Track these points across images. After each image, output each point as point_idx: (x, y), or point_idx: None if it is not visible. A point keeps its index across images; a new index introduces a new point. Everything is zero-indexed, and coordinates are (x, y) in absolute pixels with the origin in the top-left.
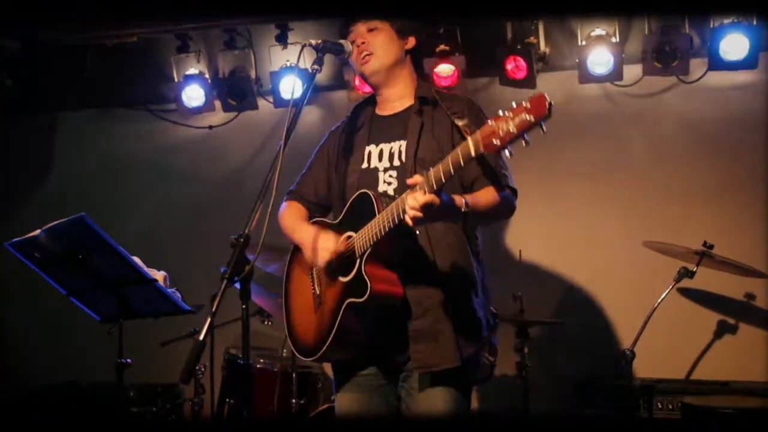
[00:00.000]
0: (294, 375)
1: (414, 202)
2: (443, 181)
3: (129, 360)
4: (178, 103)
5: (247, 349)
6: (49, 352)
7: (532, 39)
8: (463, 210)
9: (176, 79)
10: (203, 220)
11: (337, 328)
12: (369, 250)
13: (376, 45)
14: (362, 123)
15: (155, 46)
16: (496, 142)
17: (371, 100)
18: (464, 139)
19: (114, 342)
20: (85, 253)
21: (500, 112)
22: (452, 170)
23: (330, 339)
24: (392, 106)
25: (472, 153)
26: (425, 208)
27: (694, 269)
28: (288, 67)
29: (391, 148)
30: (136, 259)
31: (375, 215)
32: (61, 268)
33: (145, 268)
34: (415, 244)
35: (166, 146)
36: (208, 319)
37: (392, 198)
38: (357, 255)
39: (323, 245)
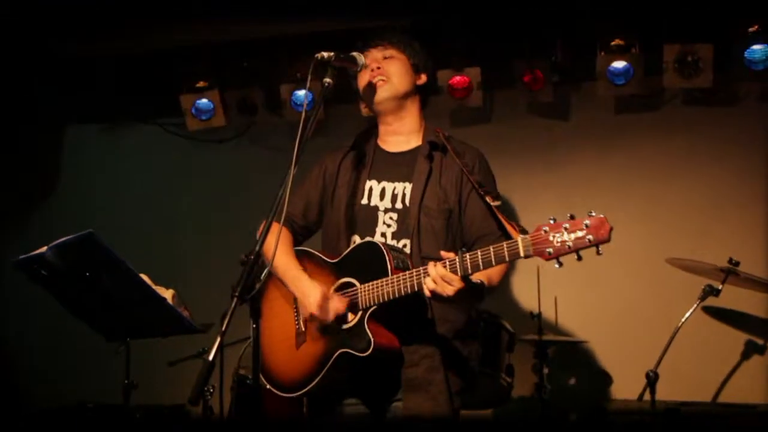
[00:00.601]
0: (304, 397)
1: (446, 285)
2: (479, 269)
3: (135, 383)
4: (187, 116)
5: (258, 370)
6: (54, 373)
7: (550, 51)
8: (483, 291)
9: (186, 92)
10: (213, 236)
11: (325, 375)
12: (375, 307)
13: (392, 72)
14: (364, 154)
15: (165, 58)
16: (549, 251)
17: (374, 131)
18: (476, 193)
19: (121, 362)
20: (92, 271)
21: (551, 219)
22: (494, 263)
23: (314, 384)
24: (398, 141)
25: (521, 255)
26: (457, 293)
27: (720, 287)
28: (300, 79)
29: (394, 188)
30: (144, 277)
31: (386, 273)
32: (67, 286)
33: (153, 286)
34: (418, 301)
35: (176, 161)
36: (218, 339)
37: (401, 253)
38: (360, 307)
39: (331, 306)
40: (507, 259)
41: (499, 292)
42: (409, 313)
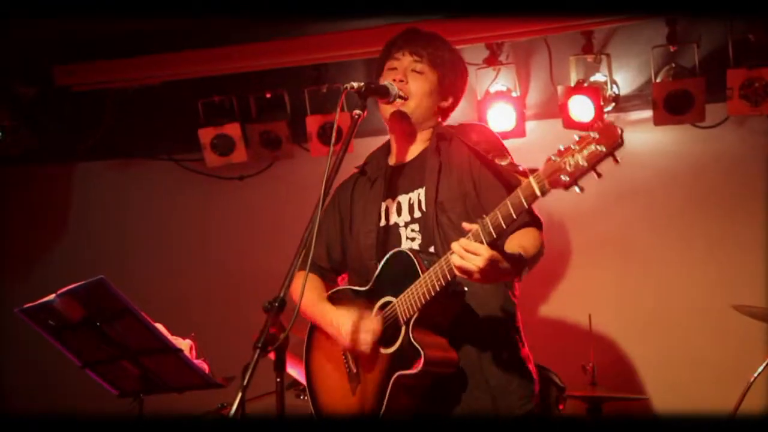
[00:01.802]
0: None
1: (473, 256)
2: (504, 228)
3: None
4: (205, 152)
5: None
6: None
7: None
8: (523, 262)
9: (204, 126)
10: (234, 281)
11: (386, 409)
12: (416, 315)
13: (415, 90)
14: (376, 176)
15: (180, 90)
16: (565, 178)
17: (386, 149)
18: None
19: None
20: (104, 321)
21: (560, 147)
22: (514, 215)
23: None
24: (407, 152)
25: (538, 194)
26: (488, 263)
27: None
28: (328, 111)
29: (410, 198)
30: (160, 326)
31: (418, 275)
32: (76, 336)
33: (169, 337)
34: (464, 304)
35: (193, 200)
36: (239, 394)
37: (432, 254)
38: (401, 322)
39: (364, 328)
40: (525, 203)
41: (547, 341)
42: (457, 321)
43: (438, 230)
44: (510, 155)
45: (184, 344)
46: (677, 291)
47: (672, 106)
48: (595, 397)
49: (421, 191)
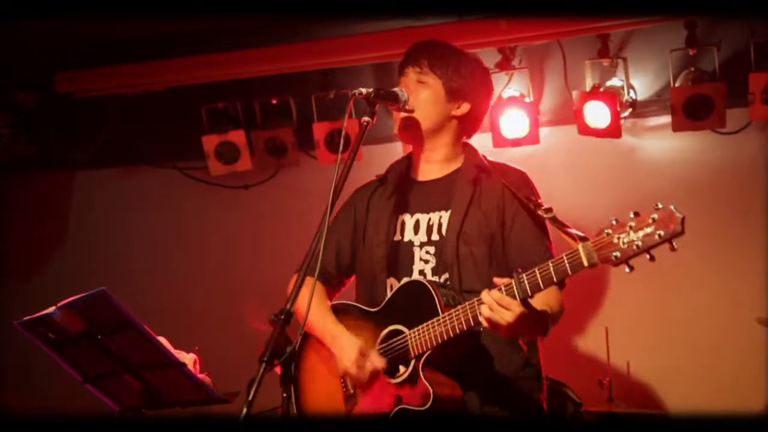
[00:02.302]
0: None
1: (504, 311)
2: (542, 289)
3: None
4: (209, 159)
5: None
6: None
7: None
8: (548, 321)
9: (208, 133)
10: (238, 293)
11: None
12: (428, 352)
13: (418, 102)
14: (396, 187)
15: (184, 96)
16: (616, 255)
17: (408, 161)
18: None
19: None
20: (105, 334)
21: (613, 221)
22: (555, 279)
23: None
24: (431, 169)
25: (585, 264)
26: (518, 319)
27: None
28: (335, 117)
29: (429, 219)
30: (162, 340)
31: (436, 313)
32: (77, 350)
33: (172, 351)
34: (477, 344)
35: (197, 209)
36: (244, 409)
37: (450, 289)
38: (411, 355)
39: (369, 361)
40: (569, 271)
41: (562, 355)
42: (467, 359)
43: (456, 260)
44: (552, 212)
45: (187, 358)
46: (698, 303)
47: (691, 111)
48: (611, 412)
49: (444, 215)
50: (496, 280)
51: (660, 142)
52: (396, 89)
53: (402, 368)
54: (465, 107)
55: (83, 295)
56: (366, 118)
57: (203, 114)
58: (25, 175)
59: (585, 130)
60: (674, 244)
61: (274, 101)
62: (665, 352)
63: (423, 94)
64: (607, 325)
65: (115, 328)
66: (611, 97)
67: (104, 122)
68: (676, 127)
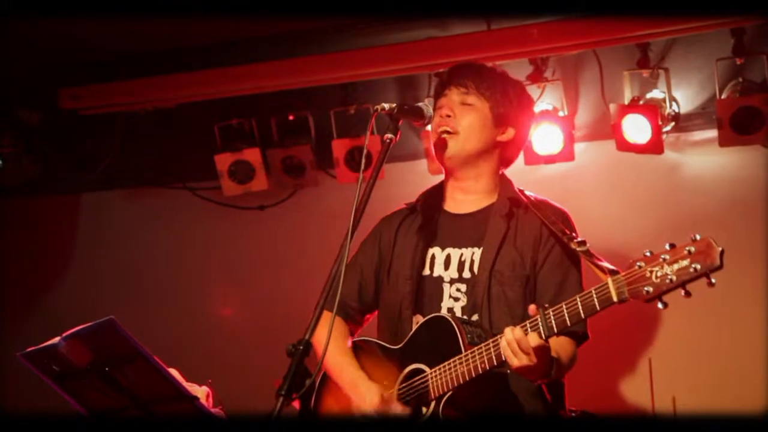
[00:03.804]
0: None
1: (526, 344)
2: (568, 326)
3: None
4: (222, 179)
5: None
6: None
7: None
8: (555, 368)
9: (221, 152)
10: (255, 321)
11: None
12: (450, 393)
13: (463, 124)
14: (427, 218)
15: (195, 113)
16: (648, 290)
17: (440, 189)
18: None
19: None
20: (113, 366)
21: (647, 252)
22: (582, 315)
23: None
24: (467, 201)
25: (614, 299)
26: (538, 354)
27: None
28: (356, 134)
29: (462, 255)
30: (174, 372)
31: (459, 350)
32: (83, 383)
33: (184, 383)
34: (504, 387)
35: (209, 232)
36: None
37: (476, 326)
38: (432, 396)
39: (391, 410)
40: (598, 307)
41: (603, 387)
42: (493, 403)
43: (487, 301)
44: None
45: (200, 391)
46: (747, 332)
47: (739, 125)
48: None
49: (477, 251)
50: (531, 308)
51: (705, 159)
52: (421, 104)
53: (424, 409)
54: (510, 133)
55: (90, 324)
56: (389, 135)
57: (216, 132)
58: (28, 196)
59: (623, 146)
60: (712, 278)
61: (291, 117)
62: (715, 383)
63: (469, 117)
64: (650, 356)
65: (124, 360)
66: (652, 110)
67: (112, 141)
68: (723, 142)
